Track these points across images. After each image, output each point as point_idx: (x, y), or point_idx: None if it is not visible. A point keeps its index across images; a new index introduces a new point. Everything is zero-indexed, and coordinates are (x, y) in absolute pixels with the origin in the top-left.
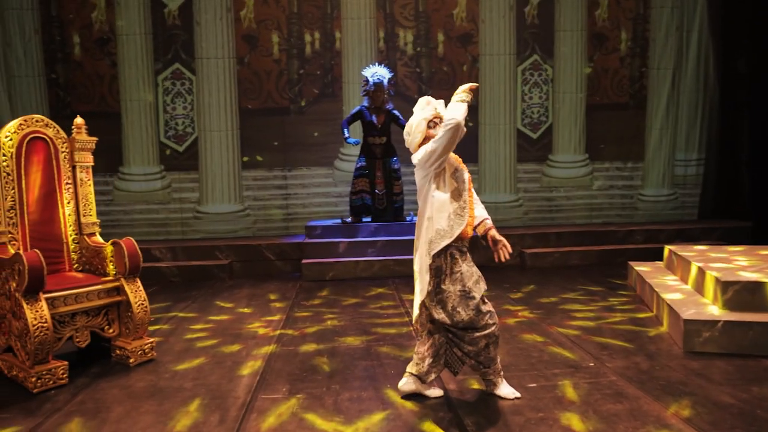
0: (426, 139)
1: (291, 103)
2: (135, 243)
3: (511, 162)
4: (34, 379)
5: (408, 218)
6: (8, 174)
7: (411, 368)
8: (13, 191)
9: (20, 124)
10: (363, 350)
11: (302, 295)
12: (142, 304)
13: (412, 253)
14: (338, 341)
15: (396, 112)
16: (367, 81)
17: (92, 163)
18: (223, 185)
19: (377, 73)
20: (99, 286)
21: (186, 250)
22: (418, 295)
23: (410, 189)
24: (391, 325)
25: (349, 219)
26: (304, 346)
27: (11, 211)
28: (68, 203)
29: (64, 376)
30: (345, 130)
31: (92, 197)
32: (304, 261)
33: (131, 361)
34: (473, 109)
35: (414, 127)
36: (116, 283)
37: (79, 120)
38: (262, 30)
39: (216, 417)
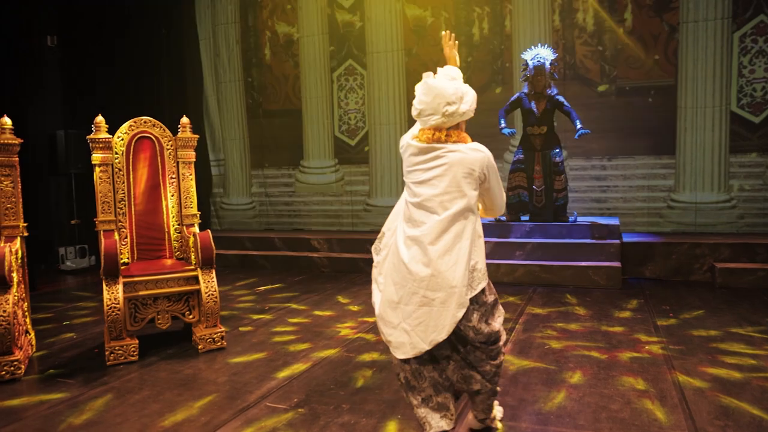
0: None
1: None
2: (210, 236)
3: (722, 153)
4: (107, 353)
5: (571, 218)
6: (120, 169)
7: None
8: (123, 185)
9: (130, 125)
10: None
11: None
12: (212, 295)
13: (565, 258)
14: None
15: (560, 98)
16: (527, 65)
17: (194, 159)
18: (391, 178)
19: (538, 54)
20: (178, 274)
21: (341, 243)
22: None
23: (576, 185)
24: None
25: (504, 217)
26: (367, 354)
27: (121, 203)
28: (172, 196)
29: (135, 353)
30: (501, 119)
31: (193, 190)
32: None
33: (200, 347)
34: (668, 89)
35: (470, 102)
36: (194, 273)
37: (184, 120)
38: (430, 19)
39: (206, 418)
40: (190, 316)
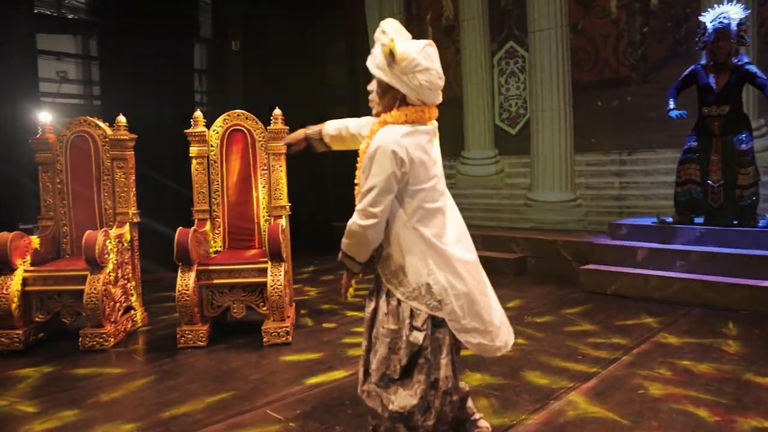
0: None
1: (632, 71)
2: (279, 229)
3: None
4: (178, 336)
5: (762, 223)
6: (215, 161)
7: None
8: (217, 176)
9: (225, 119)
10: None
11: (551, 308)
12: (277, 288)
13: (741, 275)
14: (468, 373)
15: (752, 68)
16: (704, 29)
17: (284, 151)
18: (554, 171)
19: (723, 14)
20: (251, 266)
21: (486, 240)
22: None
23: None
24: (573, 375)
25: (670, 218)
26: None
27: (216, 193)
28: (263, 187)
29: (203, 339)
30: (670, 100)
31: (283, 182)
32: (584, 267)
33: (265, 341)
34: None
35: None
36: (265, 265)
37: (277, 111)
38: None
39: (203, 415)
40: (264, 308)
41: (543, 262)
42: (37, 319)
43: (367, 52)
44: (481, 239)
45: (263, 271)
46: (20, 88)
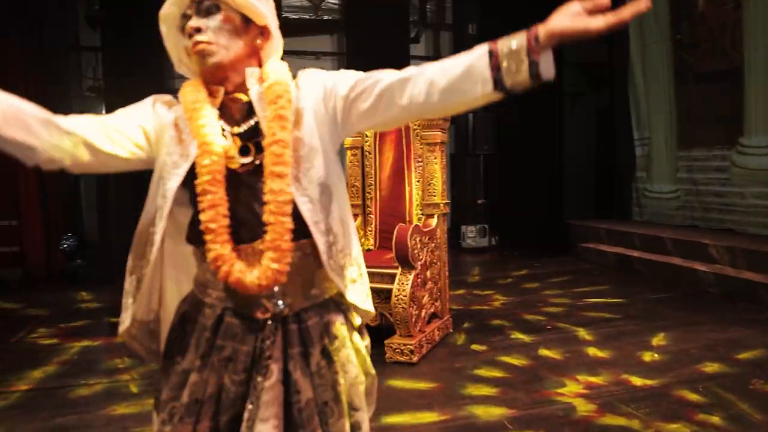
0: None
1: None
2: (407, 232)
3: None
4: None
5: None
6: (369, 152)
7: None
8: (371, 169)
9: None
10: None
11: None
12: (402, 299)
13: None
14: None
15: None
16: None
17: (440, 141)
18: None
19: None
20: (382, 270)
21: (749, 256)
22: None
23: None
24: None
25: None
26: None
27: (370, 187)
28: (417, 182)
29: None
30: None
31: (438, 176)
32: None
33: (387, 356)
34: None
35: None
36: (395, 271)
37: None
38: None
39: None
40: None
41: None
42: None
43: None
44: (742, 254)
45: (393, 278)
46: None
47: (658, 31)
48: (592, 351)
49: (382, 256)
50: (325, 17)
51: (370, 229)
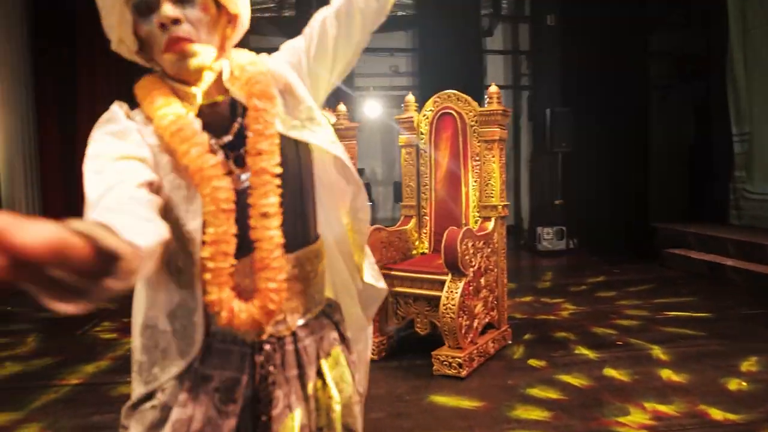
0: None
1: None
2: (457, 236)
3: None
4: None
5: None
6: (425, 150)
7: None
8: (426, 168)
9: (435, 101)
10: None
11: None
12: (450, 308)
13: None
14: None
15: None
16: None
17: (498, 138)
18: None
19: None
20: (431, 276)
21: None
22: None
23: None
24: None
25: None
26: None
27: (425, 187)
28: (475, 182)
29: (376, 351)
30: None
31: (496, 176)
32: None
33: (434, 368)
34: None
35: None
36: (444, 277)
37: (493, 88)
38: None
39: None
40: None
41: None
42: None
43: None
44: None
45: (443, 285)
46: None
47: (763, 14)
48: (665, 374)
49: (433, 260)
50: (399, 13)
51: (424, 231)
